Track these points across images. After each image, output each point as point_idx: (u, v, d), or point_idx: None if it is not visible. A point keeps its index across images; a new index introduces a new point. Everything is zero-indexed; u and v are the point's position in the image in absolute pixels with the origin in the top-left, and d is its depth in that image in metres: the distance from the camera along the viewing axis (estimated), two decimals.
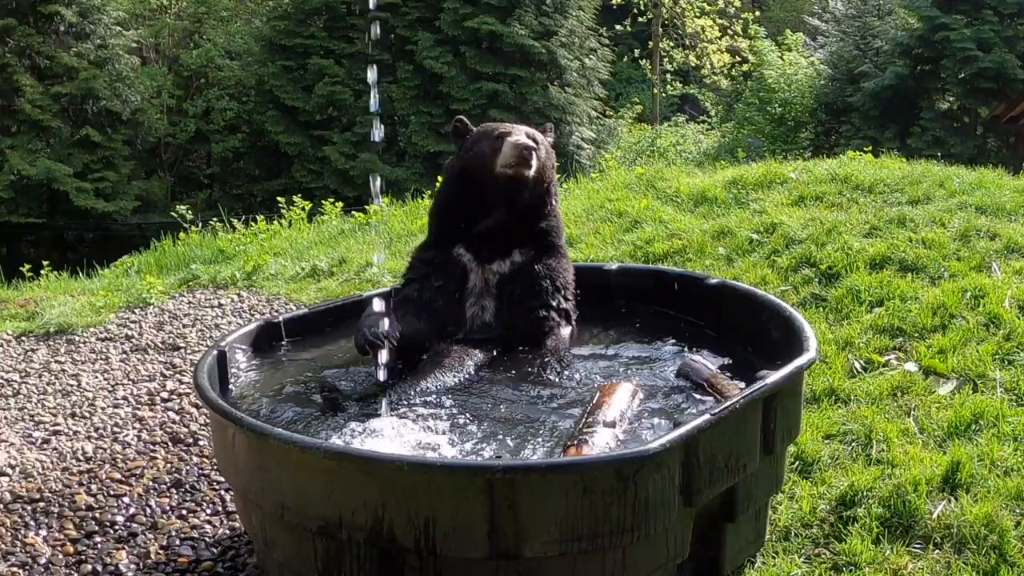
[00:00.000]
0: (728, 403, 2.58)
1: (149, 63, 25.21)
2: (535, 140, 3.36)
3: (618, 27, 28.86)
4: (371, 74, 3.97)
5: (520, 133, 3.35)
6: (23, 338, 5.45)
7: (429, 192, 9.08)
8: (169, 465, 3.83)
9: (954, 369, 4.12)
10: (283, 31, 22.72)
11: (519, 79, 21.99)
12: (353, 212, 8.88)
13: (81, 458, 3.92)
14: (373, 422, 2.77)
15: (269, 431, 2.57)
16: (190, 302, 6.01)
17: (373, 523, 2.41)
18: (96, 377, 4.83)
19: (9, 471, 3.80)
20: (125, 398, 4.53)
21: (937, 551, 3.01)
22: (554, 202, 3.50)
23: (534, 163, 3.27)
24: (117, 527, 3.40)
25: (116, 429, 4.19)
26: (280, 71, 22.49)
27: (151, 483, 3.69)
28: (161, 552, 3.24)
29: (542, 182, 3.39)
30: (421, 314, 3.30)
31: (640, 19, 29.96)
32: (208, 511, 3.50)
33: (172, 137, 23.37)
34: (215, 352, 3.09)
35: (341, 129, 22.04)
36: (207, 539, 3.31)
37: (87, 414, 4.36)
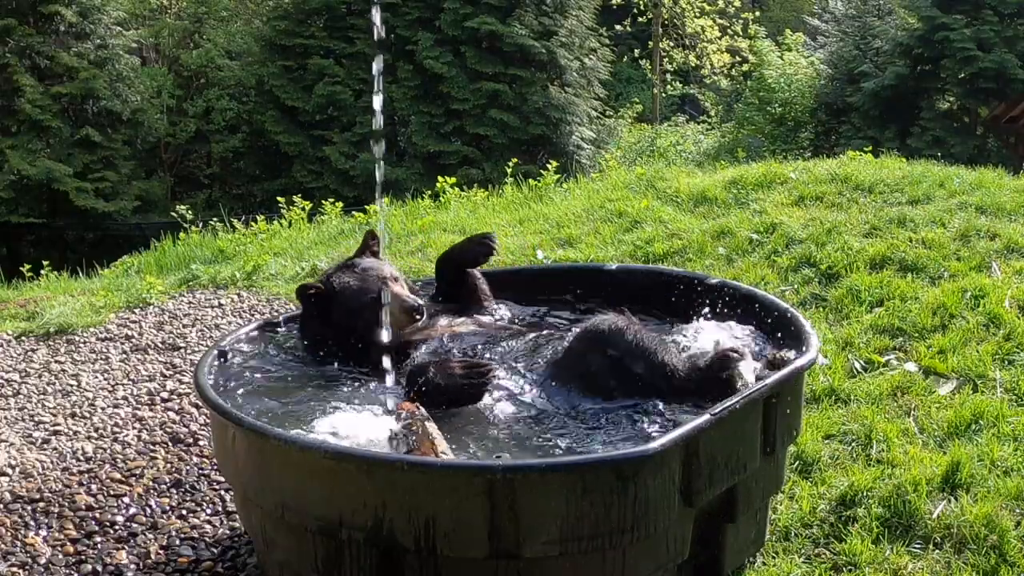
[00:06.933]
0: (728, 403, 2.58)
1: (149, 63, 25.19)
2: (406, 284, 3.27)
3: (618, 27, 28.85)
4: (377, 65, 3.80)
5: (397, 285, 3.19)
6: (23, 338, 5.45)
7: (429, 192, 9.04)
8: (169, 465, 3.83)
9: (954, 369, 4.12)
10: (283, 31, 22.70)
11: (519, 79, 21.98)
12: (353, 212, 8.86)
13: (81, 458, 3.92)
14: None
15: (269, 431, 2.57)
16: (190, 302, 6.00)
17: (373, 523, 2.41)
18: (96, 377, 4.83)
19: (9, 471, 3.80)
20: (125, 398, 4.53)
21: (937, 551, 3.01)
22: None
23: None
24: (117, 527, 3.40)
25: (116, 429, 4.19)
26: (280, 71, 22.48)
27: (151, 483, 3.69)
28: (161, 552, 3.24)
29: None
30: None
31: (640, 19, 29.96)
32: (208, 511, 3.50)
33: (172, 137, 23.35)
34: (215, 352, 3.09)
35: (341, 129, 22.03)
36: (207, 539, 3.31)
37: (87, 414, 4.35)
